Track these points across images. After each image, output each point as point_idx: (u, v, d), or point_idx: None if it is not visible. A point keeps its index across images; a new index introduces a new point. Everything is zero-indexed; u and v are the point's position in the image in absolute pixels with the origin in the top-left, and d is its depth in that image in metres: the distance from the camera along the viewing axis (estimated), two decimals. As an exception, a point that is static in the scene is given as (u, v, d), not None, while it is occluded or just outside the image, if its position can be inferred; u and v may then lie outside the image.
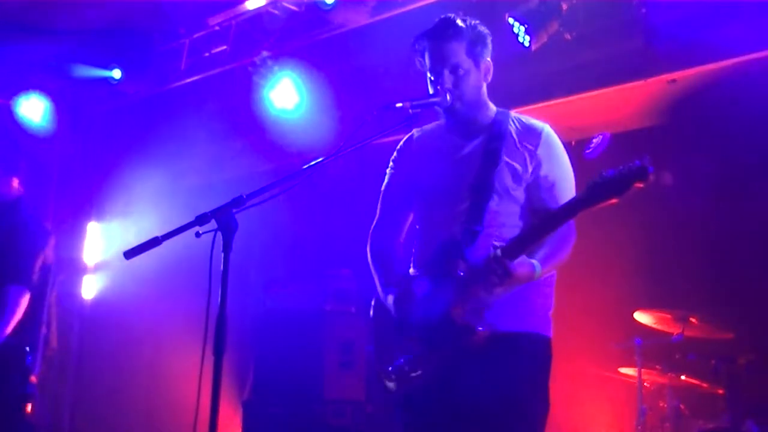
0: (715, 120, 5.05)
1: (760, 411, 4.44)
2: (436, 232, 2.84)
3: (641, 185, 2.42)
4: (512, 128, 2.86)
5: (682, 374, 4.84)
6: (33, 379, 4.25)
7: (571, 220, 2.76)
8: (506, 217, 2.77)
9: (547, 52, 4.97)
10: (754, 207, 4.93)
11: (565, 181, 2.82)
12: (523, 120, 2.91)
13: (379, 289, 3.01)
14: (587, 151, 3.44)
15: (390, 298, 2.89)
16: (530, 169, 2.79)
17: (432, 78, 2.85)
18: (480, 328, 2.64)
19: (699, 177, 5.15)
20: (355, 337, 5.89)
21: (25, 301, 4.20)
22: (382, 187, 3.12)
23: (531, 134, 2.84)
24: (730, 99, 4.84)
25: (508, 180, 2.78)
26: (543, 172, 2.79)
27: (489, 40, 2.90)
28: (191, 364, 2.58)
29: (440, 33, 2.84)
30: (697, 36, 4.59)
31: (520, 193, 2.79)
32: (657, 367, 4.88)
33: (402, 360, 2.79)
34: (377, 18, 5.68)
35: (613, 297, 5.11)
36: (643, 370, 4.85)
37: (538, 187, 2.79)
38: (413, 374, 2.76)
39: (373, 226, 3.15)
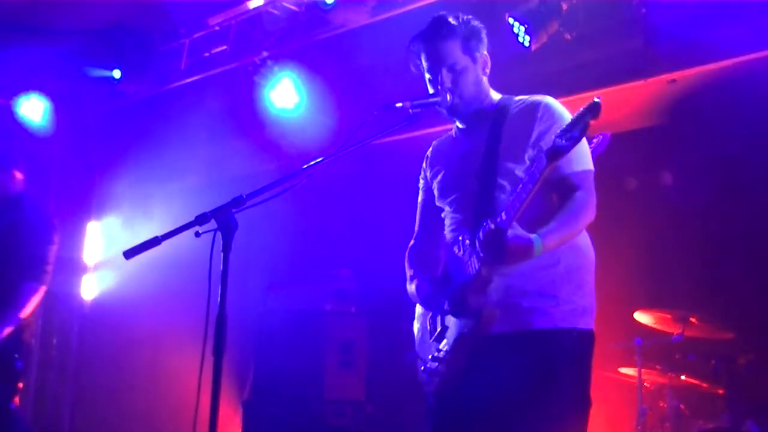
0: (715, 120, 5.05)
1: (760, 411, 4.43)
2: (456, 229, 2.85)
3: (594, 121, 2.34)
4: (513, 109, 2.84)
5: (682, 374, 4.84)
6: (19, 384, 4.25)
7: (592, 196, 2.67)
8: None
9: (547, 52, 4.97)
10: (754, 207, 4.93)
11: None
12: (525, 99, 2.87)
13: (408, 284, 2.99)
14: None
15: (412, 287, 2.90)
16: (531, 142, 2.71)
17: (431, 78, 2.86)
18: (486, 311, 2.58)
19: (699, 177, 5.15)
20: (355, 337, 5.89)
21: (38, 297, 4.21)
22: (418, 202, 3.16)
23: (530, 109, 2.79)
24: (730, 99, 4.84)
25: (511, 159, 2.73)
26: (546, 141, 2.67)
27: (483, 33, 2.90)
28: (191, 364, 2.58)
29: (434, 33, 2.84)
30: (697, 36, 4.59)
31: None
32: (657, 367, 4.88)
33: (431, 358, 2.81)
34: (377, 18, 5.68)
35: (613, 297, 5.09)
36: (643, 370, 4.84)
37: None
38: (439, 373, 2.76)
39: (411, 240, 3.16)
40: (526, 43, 4.84)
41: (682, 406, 4.81)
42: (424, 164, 3.13)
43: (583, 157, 2.70)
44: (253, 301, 6.40)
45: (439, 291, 2.82)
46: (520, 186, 2.46)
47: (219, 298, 2.37)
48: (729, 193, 5.07)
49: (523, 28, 4.82)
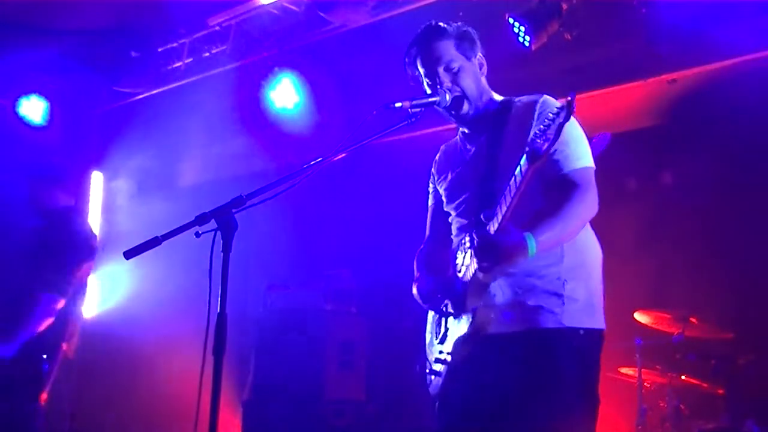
0: (715, 120, 5.05)
1: (760, 411, 4.43)
2: (460, 231, 2.87)
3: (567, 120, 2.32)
4: (514, 111, 2.84)
5: (682, 374, 4.84)
6: (44, 396, 4.26)
7: (591, 193, 2.63)
8: (520, 198, 2.58)
9: (547, 52, 4.97)
10: (754, 207, 4.93)
11: (569, 144, 2.66)
12: (524, 99, 2.87)
13: (413, 286, 3.00)
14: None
15: (414, 289, 2.92)
16: (528, 141, 2.61)
17: (429, 82, 2.86)
18: (480, 313, 2.59)
19: (699, 177, 5.15)
20: (355, 337, 5.89)
21: (56, 309, 4.22)
22: (428, 204, 3.16)
23: (528, 108, 2.78)
24: (730, 99, 4.84)
25: (510, 161, 2.61)
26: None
27: (476, 37, 2.91)
28: (191, 364, 2.58)
29: (427, 36, 2.86)
30: (698, 36, 4.59)
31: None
32: (657, 367, 4.89)
33: (435, 360, 2.83)
34: (377, 18, 5.68)
35: (613, 297, 5.09)
36: (643, 370, 4.85)
37: None
38: (441, 373, 2.78)
39: (422, 245, 3.15)
40: (526, 43, 4.84)
41: (682, 406, 4.81)
42: (432, 169, 3.14)
43: (581, 154, 2.69)
44: (253, 301, 6.39)
45: (443, 292, 2.83)
46: (507, 189, 2.46)
47: (219, 298, 2.37)
48: (729, 193, 5.07)
49: (523, 28, 4.82)
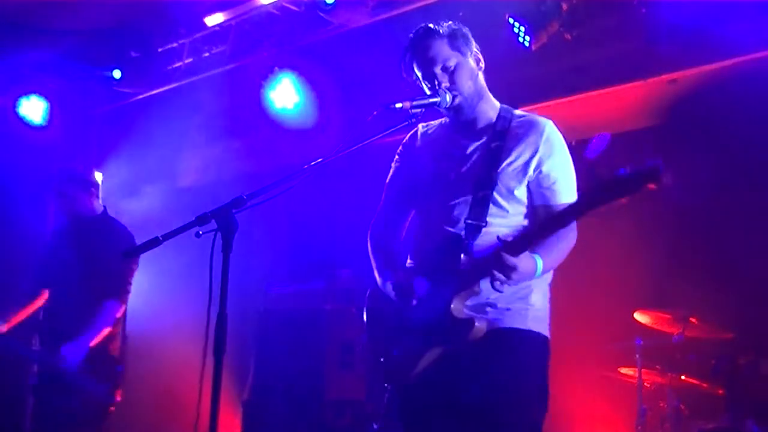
0: (715, 120, 5.06)
1: (760, 411, 4.44)
2: (437, 227, 2.84)
3: (654, 186, 2.40)
4: (515, 125, 2.86)
5: (682, 374, 4.84)
6: (119, 392, 4.43)
7: (575, 229, 2.76)
8: (510, 214, 2.78)
9: (547, 52, 4.98)
10: (754, 207, 4.93)
11: (565, 178, 2.81)
12: (527, 117, 2.90)
13: (377, 275, 3.02)
14: (587, 151, 3.44)
15: (389, 285, 2.90)
16: (532, 166, 2.78)
17: (428, 84, 2.86)
18: (478, 323, 2.65)
19: (699, 177, 5.14)
20: (356, 337, 5.88)
21: (119, 315, 4.28)
22: (387, 180, 3.13)
23: (533, 131, 2.82)
24: (730, 99, 4.84)
25: (511, 178, 2.78)
26: (545, 169, 2.78)
27: (469, 34, 2.92)
28: (192, 364, 2.58)
29: (419, 39, 2.87)
30: (697, 36, 4.59)
31: (522, 191, 2.79)
32: (657, 367, 4.89)
33: (397, 352, 2.81)
34: (377, 18, 5.68)
35: (613, 297, 5.11)
36: (643, 370, 4.85)
37: (539, 185, 2.79)
38: (408, 367, 2.77)
39: (374, 218, 3.17)
40: (526, 43, 4.84)
41: (682, 406, 4.81)
42: (407, 140, 3.09)
43: (571, 189, 2.81)
44: (253, 302, 6.39)
45: (435, 287, 2.79)
46: (540, 223, 2.63)
47: (219, 299, 2.37)
48: (729, 193, 5.07)
49: (523, 28, 4.82)
